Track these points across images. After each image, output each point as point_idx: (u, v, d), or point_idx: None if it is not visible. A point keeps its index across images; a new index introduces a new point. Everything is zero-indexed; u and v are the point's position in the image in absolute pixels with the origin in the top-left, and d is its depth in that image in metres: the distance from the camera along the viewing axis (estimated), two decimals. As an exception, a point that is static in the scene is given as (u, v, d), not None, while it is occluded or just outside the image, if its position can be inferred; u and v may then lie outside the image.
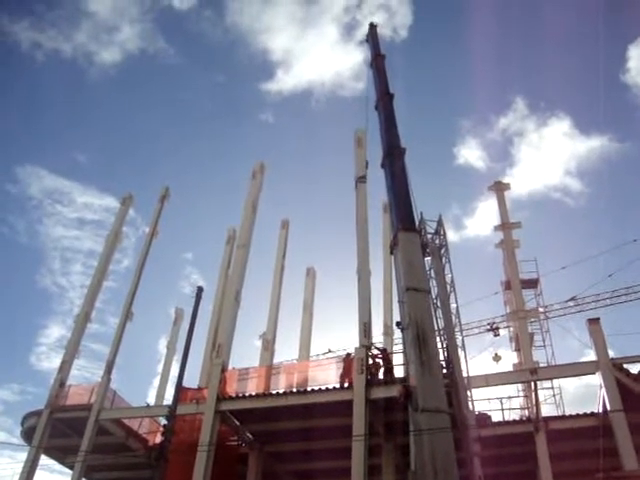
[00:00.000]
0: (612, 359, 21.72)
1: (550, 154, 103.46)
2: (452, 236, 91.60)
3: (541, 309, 33.81)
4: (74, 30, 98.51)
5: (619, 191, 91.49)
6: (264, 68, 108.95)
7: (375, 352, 24.00)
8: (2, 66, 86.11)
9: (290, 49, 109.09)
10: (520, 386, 26.69)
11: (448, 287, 20.42)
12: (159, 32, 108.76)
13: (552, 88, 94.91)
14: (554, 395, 29.01)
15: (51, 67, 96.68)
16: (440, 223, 21.49)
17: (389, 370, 23.79)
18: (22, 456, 27.25)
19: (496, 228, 31.44)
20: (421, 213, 20.83)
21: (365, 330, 23.43)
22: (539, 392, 24.58)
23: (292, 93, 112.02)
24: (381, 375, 23.61)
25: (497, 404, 25.38)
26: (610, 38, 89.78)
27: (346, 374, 23.66)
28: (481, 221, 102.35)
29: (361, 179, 28.10)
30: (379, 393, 22.08)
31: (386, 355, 24.72)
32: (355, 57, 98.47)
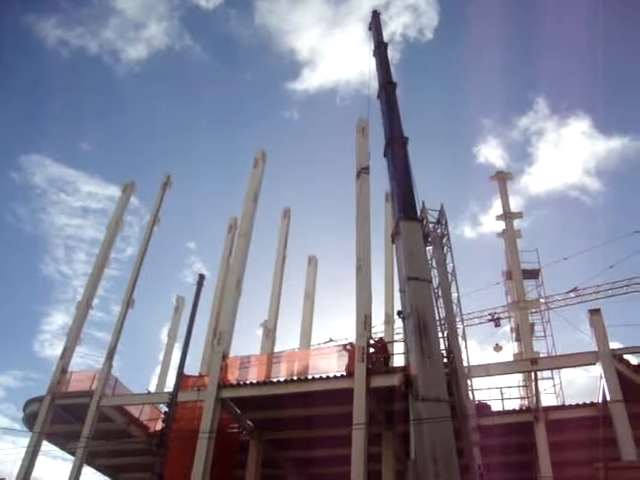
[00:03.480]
0: (612, 350, 21.74)
1: (569, 153, 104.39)
2: (469, 232, 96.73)
3: (542, 300, 33.80)
4: (101, 27, 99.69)
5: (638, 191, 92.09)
6: (291, 67, 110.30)
7: (372, 342, 23.97)
8: (22, 59, 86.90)
9: (316, 48, 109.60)
10: (521, 376, 26.74)
11: (449, 277, 20.43)
12: (186, 30, 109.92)
13: (573, 88, 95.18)
14: (554, 385, 29.09)
15: (76, 64, 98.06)
16: (442, 212, 21.45)
17: (386, 360, 23.81)
18: (24, 442, 27.38)
19: (498, 218, 31.38)
20: (423, 202, 20.82)
21: (365, 323, 23.38)
22: (539, 382, 24.64)
23: (318, 91, 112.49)
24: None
25: (497, 394, 25.49)
26: (629, 38, 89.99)
27: (353, 363, 23.66)
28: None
29: (364, 170, 27.78)
30: (380, 382, 22.09)
31: (383, 344, 24.74)
32: None
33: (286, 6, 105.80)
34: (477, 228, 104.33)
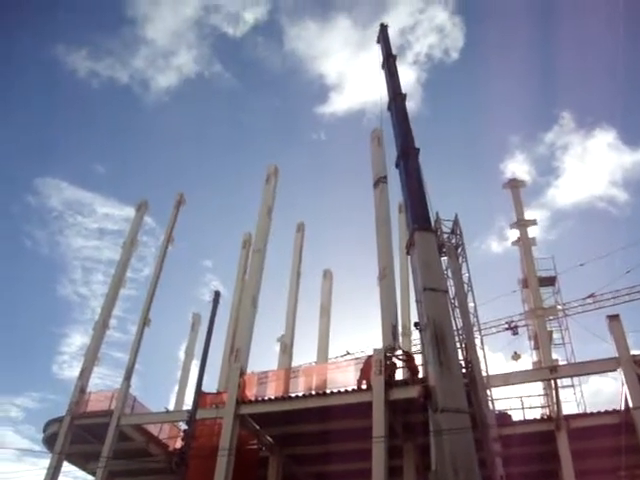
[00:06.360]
0: (633, 356, 21.49)
1: (595, 165, 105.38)
2: (496, 247, 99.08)
3: (559, 306, 33.54)
4: (131, 57, 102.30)
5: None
6: (319, 92, 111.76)
7: (400, 355, 23.77)
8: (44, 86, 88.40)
9: (344, 72, 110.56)
10: (541, 385, 26.52)
11: (465, 287, 20.34)
12: (216, 57, 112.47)
13: (598, 101, 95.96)
14: (574, 393, 28.82)
15: (105, 93, 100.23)
16: (456, 222, 21.40)
17: (414, 372, 23.53)
18: (45, 463, 27.49)
19: (512, 225, 31.28)
20: (437, 213, 20.80)
21: (394, 333, 23.25)
22: (560, 390, 24.42)
23: (347, 113, 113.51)
24: (400, 376, 23.55)
25: (517, 403, 25.29)
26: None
27: (364, 376, 23.57)
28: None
29: (382, 179, 27.88)
30: (398, 394, 21.99)
31: (410, 357, 24.54)
32: (407, 76, 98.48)
33: (314, 31, 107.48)
34: (503, 243, 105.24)
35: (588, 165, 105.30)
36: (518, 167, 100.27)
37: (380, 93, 26.44)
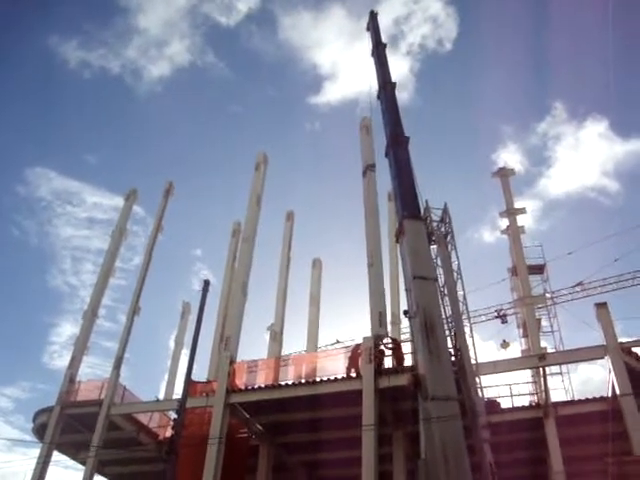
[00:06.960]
0: (621, 343, 21.64)
1: (587, 156, 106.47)
2: (488, 237, 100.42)
3: (548, 295, 33.74)
4: (124, 47, 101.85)
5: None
6: (313, 82, 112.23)
7: (387, 342, 23.88)
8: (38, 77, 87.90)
9: (337, 62, 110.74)
10: (529, 372, 26.70)
11: (455, 275, 20.36)
12: (209, 46, 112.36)
13: (590, 92, 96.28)
14: (562, 381, 29.04)
15: (97, 83, 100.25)
16: (445, 211, 21.36)
17: (400, 360, 23.65)
18: (35, 453, 27.50)
19: (501, 214, 31.37)
20: (426, 201, 20.69)
21: (380, 320, 23.31)
22: (549, 378, 24.57)
23: (340, 103, 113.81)
24: (390, 364, 23.63)
25: (506, 391, 25.44)
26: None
27: (352, 364, 23.64)
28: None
29: (371, 167, 27.94)
30: (388, 382, 22.05)
31: (398, 345, 24.64)
32: (400, 67, 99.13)
33: (308, 21, 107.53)
34: (495, 232, 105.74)
35: (580, 155, 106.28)
36: (510, 157, 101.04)
37: (370, 82, 26.36)
